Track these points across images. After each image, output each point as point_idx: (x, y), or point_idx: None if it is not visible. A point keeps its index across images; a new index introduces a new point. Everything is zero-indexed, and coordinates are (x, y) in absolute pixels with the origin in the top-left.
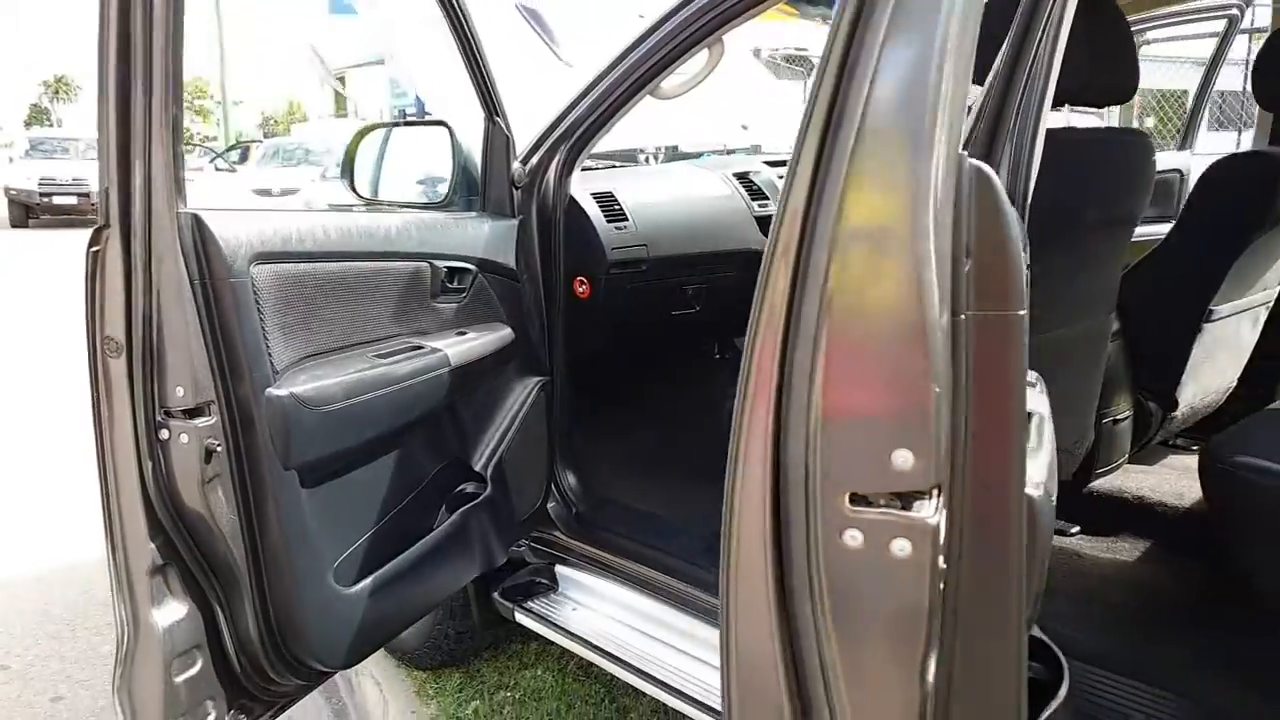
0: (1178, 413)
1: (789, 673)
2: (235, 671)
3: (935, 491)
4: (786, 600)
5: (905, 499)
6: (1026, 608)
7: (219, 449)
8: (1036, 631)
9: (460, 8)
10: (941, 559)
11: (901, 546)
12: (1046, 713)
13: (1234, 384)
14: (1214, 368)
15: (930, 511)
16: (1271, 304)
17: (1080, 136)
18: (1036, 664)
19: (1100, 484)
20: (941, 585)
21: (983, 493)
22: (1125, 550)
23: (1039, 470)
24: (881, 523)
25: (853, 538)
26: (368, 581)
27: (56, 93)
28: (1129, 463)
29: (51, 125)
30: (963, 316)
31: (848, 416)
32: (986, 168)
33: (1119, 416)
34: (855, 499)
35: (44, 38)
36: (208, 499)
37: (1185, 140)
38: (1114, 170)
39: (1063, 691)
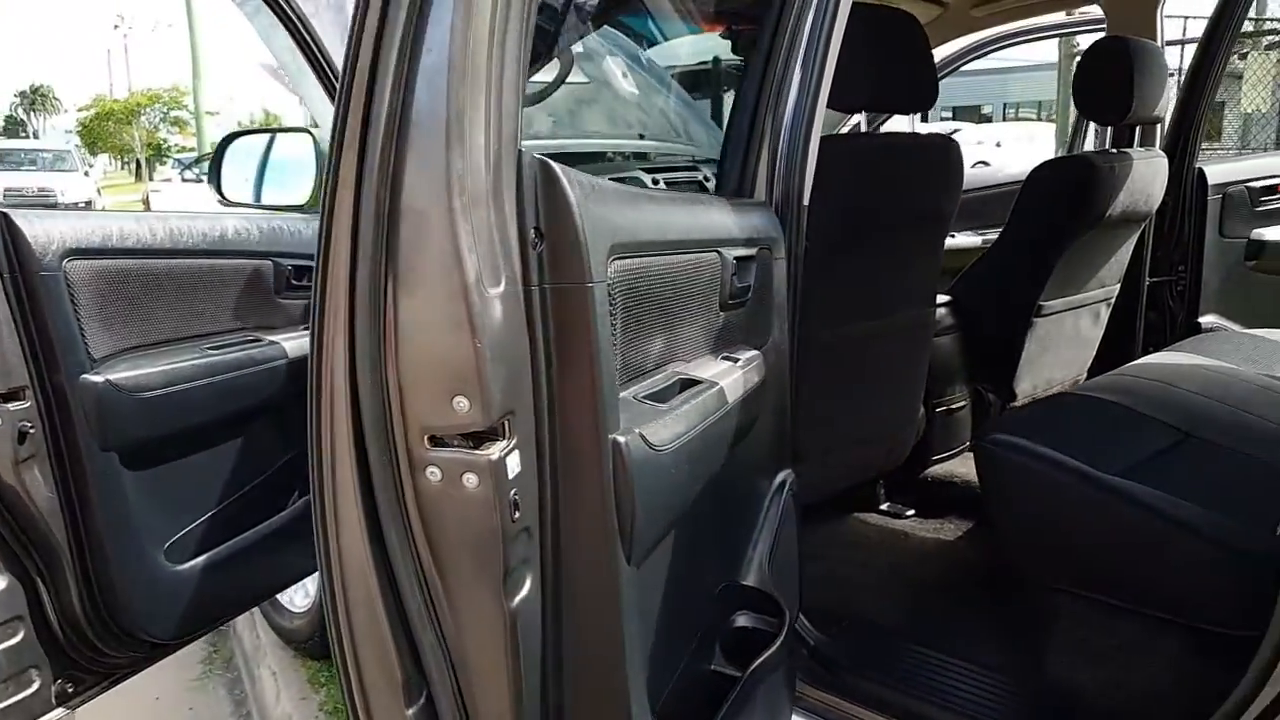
0: (1017, 403)
1: (388, 601)
2: (60, 642)
3: (503, 431)
4: (382, 534)
5: (477, 439)
6: (624, 541)
7: (32, 431)
8: (763, 585)
9: (298, 18)
10: (514, 492)
11: (470, 480)
12: (759, 660)
13: (1082, 375)
14: (1053, 360)
15: (497, 450)
16: (1114, 300)
17: (883, 142)
18: (764, 615)
19: (937, 470)
20: (516, 514)
21: (570, 437)
22: (950, 530)
23: (666, 429)
24: (454, 460)
25: (433, 474)
26: (200, 560)
27: (34, 104)
28: (971, 450)
29: (28, 137)
30: (534, 288)
31: (416, 369)
32: (552, 164)
33: (954, 406)
34: (435, 440)
35: (18, 49)
36: (22, 478)
37: (1071, 146)
38: (920, 172)
39: (779, 640)
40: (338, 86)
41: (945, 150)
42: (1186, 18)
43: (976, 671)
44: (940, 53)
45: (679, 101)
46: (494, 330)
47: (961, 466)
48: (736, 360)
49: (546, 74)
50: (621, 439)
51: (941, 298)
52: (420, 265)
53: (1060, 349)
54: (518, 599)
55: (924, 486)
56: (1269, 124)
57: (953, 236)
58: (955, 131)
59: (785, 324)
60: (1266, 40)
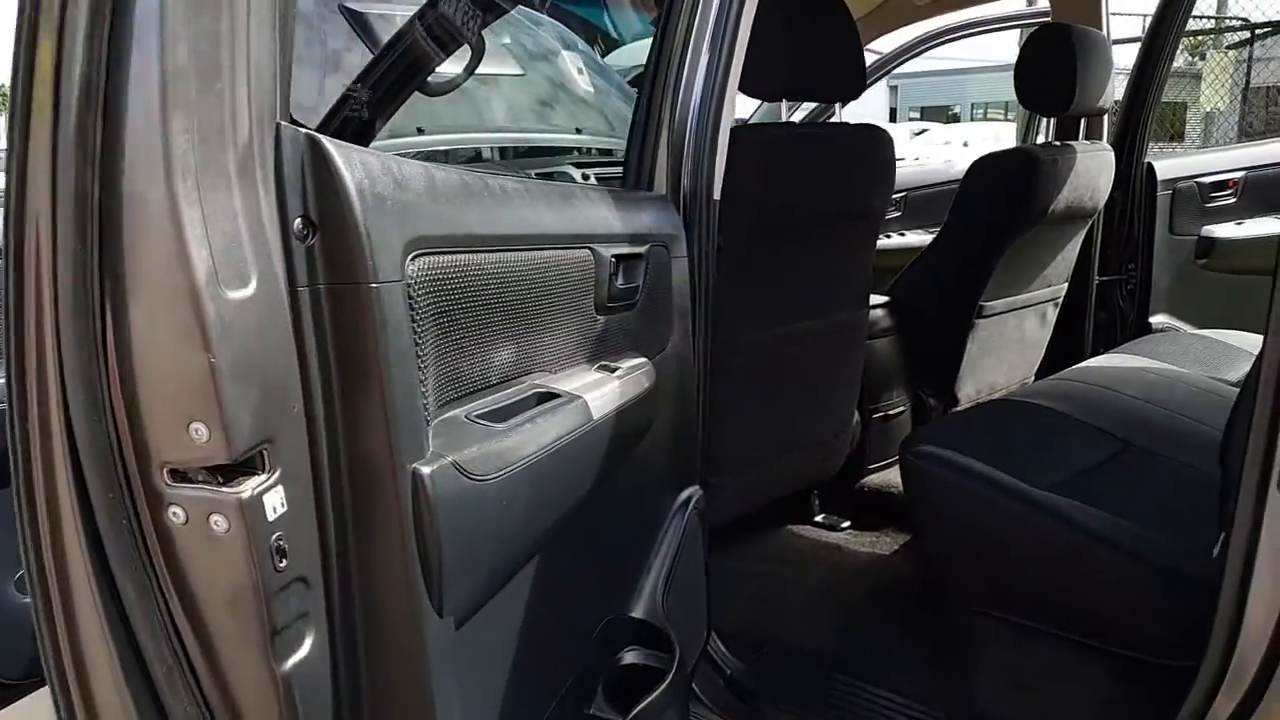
0: (959, 408)
1: (127, 665)
2: None
3: (260, 464)
4: (115, 585)
5: (226, 473)
6: (432, 590)
7: None
8: (652, 618)
9: None
10: (278, 536)
11: (218, 522)
12: (647, 699)
13: (1029, 378)
14: (996, 363)
15: (250, 488)
16: (1061, 300)
17: (804, 132)
18: (654, 650)
19: (874, 479)
20: (282, 563)
21: (361, 469)
22: (886, 544)
23: (495, 453)
24: (197, 499)
25: (175, 514)
26: None
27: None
28: None
29: None
30: (304, 289)
31: (143, 389)
32: (325, 141)
33: (892, 411)
34: (176, 475)
35: None
36: None
37: (1024, 141)
38: (846, 165)
39: (667, 679)
40: (14, 43)
41: (874, 142)
42: (1145, 15)
43: (901, 703)
44: (887, 45)
45: (625, 97)
46: (238, 342)
47: (900, 476)
48: (614, 370)
49: (457, 63)
50: (425, 469)
51: (878, 298)
52: (138, 263)
53: (1004, 351)
54: (292, 661)
55: (860, 497)
56: (1228, 122)
57: (902, 235)
58: (923, 131)
59: (689, 328)
60: (1226, 39)
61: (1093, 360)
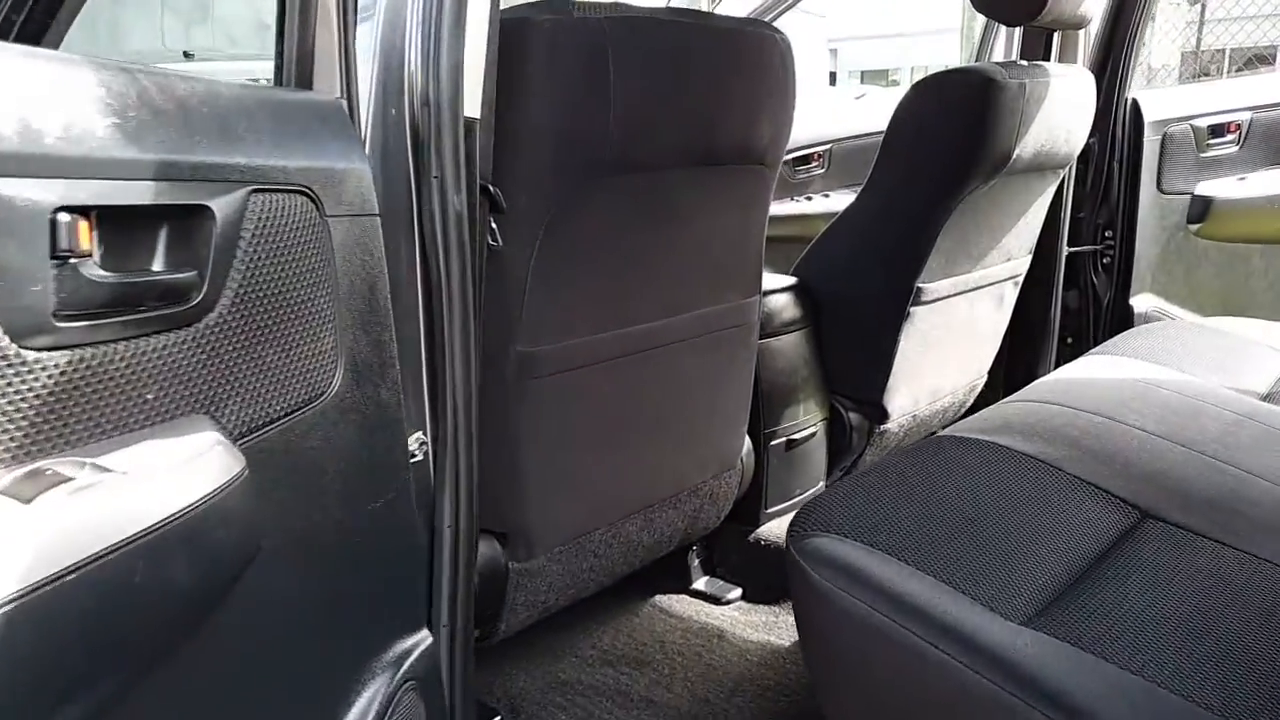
0: (890, 424)
1: None
2: None
3: None
4: None
5: None
6: None
7: None
8: None
9: None
10: None
11: None
12: None
13: (980, 381)
14: (939, 361)
15: None
16: (1022, 278)
17: (639, 16)
18: None
19: (776, 527)
20: None
21: None
22: (787, 628)
23: None
24: None
25: None
26: None
27: None
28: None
29: None
30: None
31: None
32: None
33: (798, 435)
34: None
35: None
36: None
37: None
38: (710, 78)
39: None
40: None
41: (761, 44)
42: None
43: None
44: None
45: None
46: None
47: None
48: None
49: None
50: None
51: (780, 280)
52: None
53: (948, 347)
54: None
55: (756, 553)
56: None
57: (826, 196)
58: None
59: (388, 345)
60: None
61: (1068, 368)
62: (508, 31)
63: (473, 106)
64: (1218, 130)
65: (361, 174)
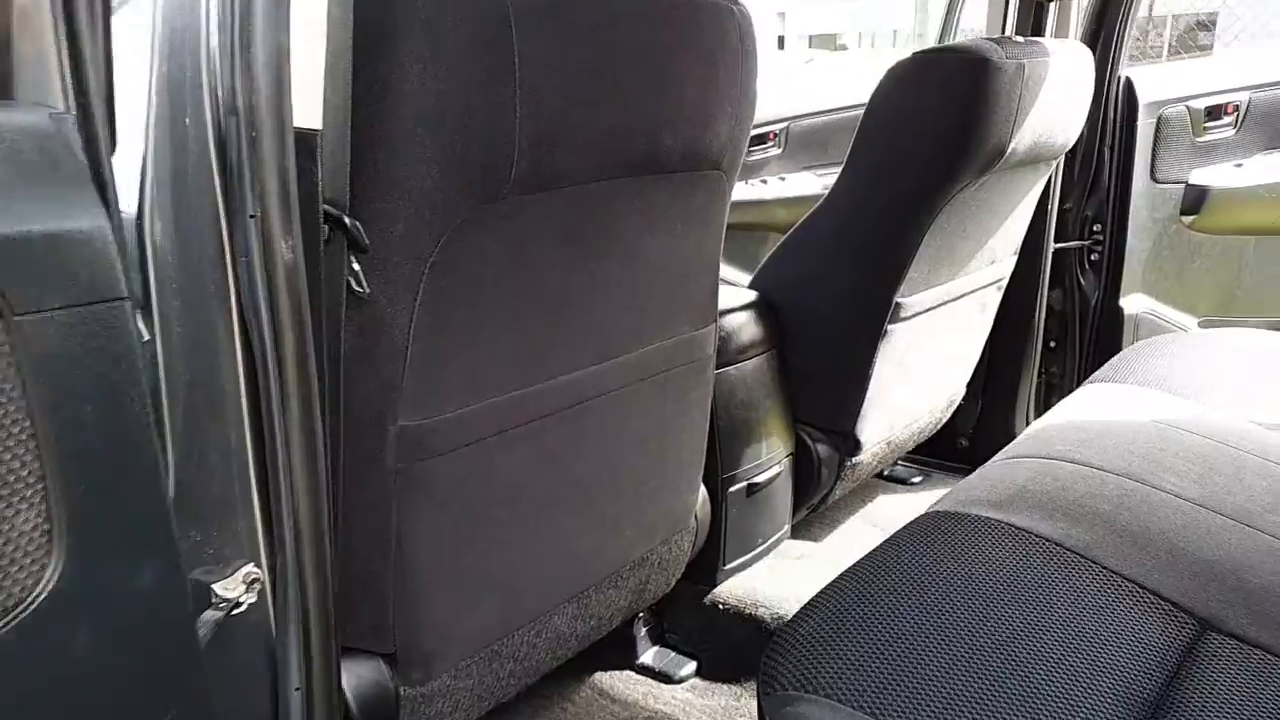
0: (863, 454)
1: None
2: None
3: None
4: None
5: None
6: None
7: None
8: None
9: None
10: None
11: None
12: None
13: (957, 398)
14: (917, 383)
15: None
16: (1006, 280)
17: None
18: None
19: (737, 586)
20: None
21: None
22: (749, 711)
23: None
24: None
25: None
26: None
27: None
28: (799, 536)
29: None
30: None
31: None
32: None
33: (760, 477)
34: None
35: None
36: None
37: (946, 30)
38: (645, 60)
39: None
40: None
41: (713, 18)
42: None
43: None
44: None
45: None
46: None
47: (773, 573)
48: None
49: None
50: None
51: (736, 296)
52: None
53: (926, 367)
54: None
55: (714, 617)
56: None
57: (782, 180)
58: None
59: (148, 487)
60: None
61: (1072, 403)
62: (369, 4)
63: (310, 112)
64: (1215, 112)
65: (90, 237)
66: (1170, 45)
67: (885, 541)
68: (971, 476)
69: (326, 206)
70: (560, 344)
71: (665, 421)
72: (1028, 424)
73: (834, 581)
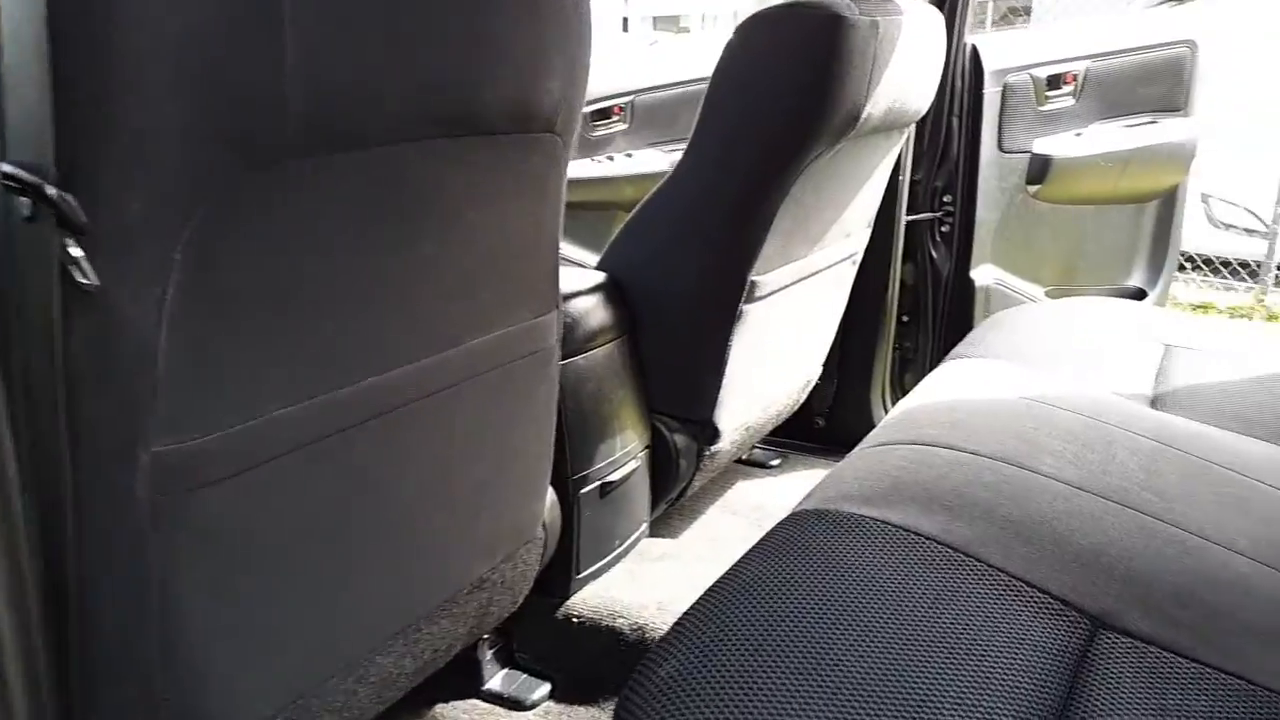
0: (722, 443)
1: None
2: None
3: None
4: None
5: None
6: None
7: None
8: None
9: None
10: None
11: None
12: None
13: (815, 373)
14: (774, 362)
15: None
16: (860, 254)
17: None
18: None
19: (592, 595)
20: None
21: None
22: None
23: None
24: None
25: None
26: None
27: None
28: (658, 533)
29: None
30: None
31: None
32: None
33: (615, 474)
34: None
35: None
36: None
37: None
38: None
39: None
40: None
41: None
42: None
43: None
44: None
45: None
46: None
47: (631, 578)
48: None
49: None
50: None
51: (582, 278)
52: None
53: (784, 344)
54: None
55: (568, 632)
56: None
57: (629, 156)
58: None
59: None
60: None
61: (936, 381)
62: None
63: None
64: (1055, 81)
65: None
66: (990, 29)
67: (751, 551)
68: (840, 466)
69: (12, 169)
70: (369, 339)
71: (504, 423)
72: (884, 401)
73: (694, 608)
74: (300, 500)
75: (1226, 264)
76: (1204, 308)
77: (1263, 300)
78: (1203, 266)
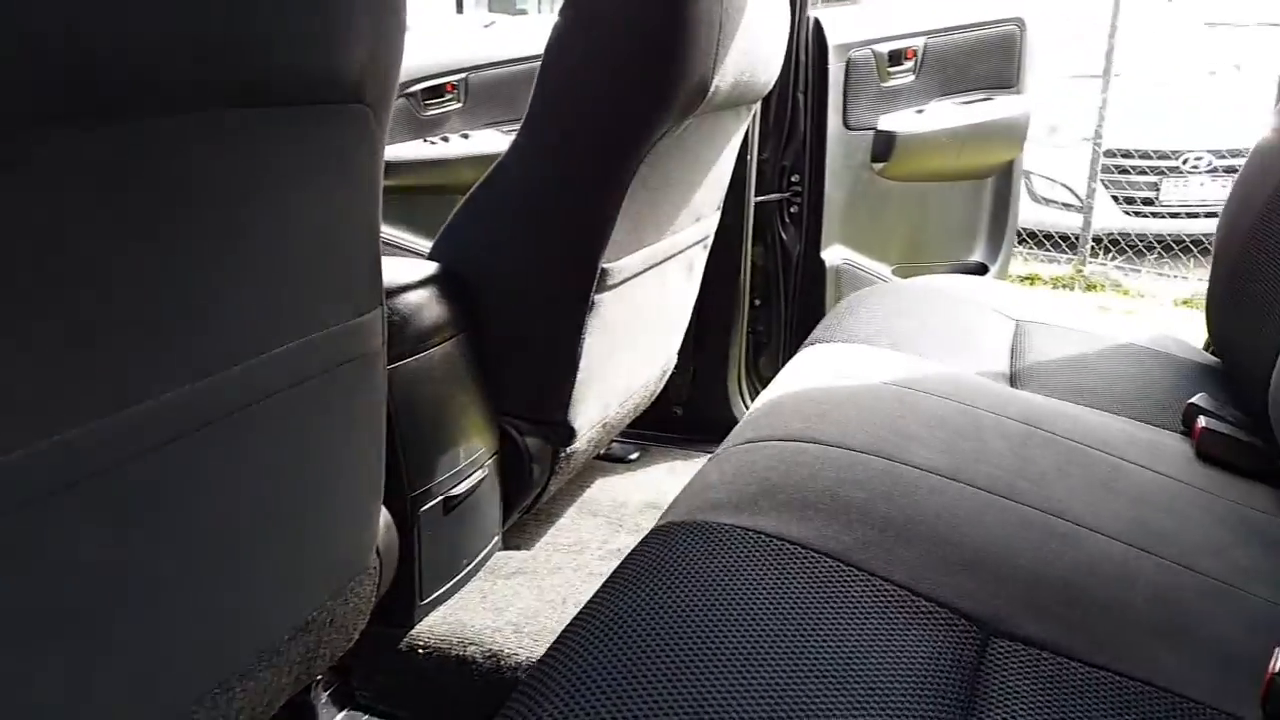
0: (578, 443)
1: None
2: None
3: None
4: None
5: None
6: None
7: None
8: None
9: None
10: None
11: None
12: None
13: (672, 359)
14: (628, 354)
15: None
16: (711, 238)
17: None
18: None
19: (438, 624)
20: None
21: None
22: None
23: None
24: None
25: None
26: None
27: None
28: (512, 544)
29: None
30: None
31: None
32: None
33: (460, 486)
34: None
35: None
36: None
37: None
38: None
39: None
40: None
41: None
42: None
43: None
44: None
45: None
46: None
47: (483, 598)
48: None
49: None
50: None
51: (412, 269)
52: None
53: (638, 334)
54: None
55: (413, 665)
56: None
57: (465, 137)
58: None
59: None
60: None
61: (796, 370)
62: None
63: None
64: (896, 57)
65: None
66: (821, 5)
67: (615, 574)
68: (707, 467)
69: None
70: (144, 353)
71: (325, 440)
72: (740, 387)
73: (556, 647)
74: (51, 558)
75: (1049, 237)
76: (1030, 279)
77: (1081, 270)
78: (1028, 240)
